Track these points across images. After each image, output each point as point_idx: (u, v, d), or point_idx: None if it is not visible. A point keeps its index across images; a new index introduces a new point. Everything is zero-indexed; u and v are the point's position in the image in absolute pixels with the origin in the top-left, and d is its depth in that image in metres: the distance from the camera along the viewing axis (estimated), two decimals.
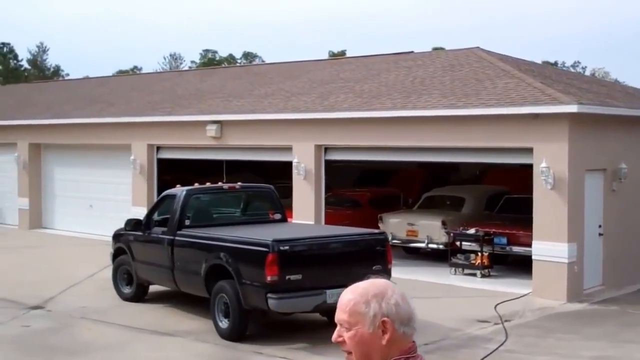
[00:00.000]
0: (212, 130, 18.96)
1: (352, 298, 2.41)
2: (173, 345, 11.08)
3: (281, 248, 10.32)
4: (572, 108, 13.60)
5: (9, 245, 21.48)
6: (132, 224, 13.36)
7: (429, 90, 16.70)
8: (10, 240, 22.47)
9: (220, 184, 13.76)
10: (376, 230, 12.96)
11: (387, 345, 2.36)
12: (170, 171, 21.78)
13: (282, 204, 13.58)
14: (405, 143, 16.12)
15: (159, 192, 21.01)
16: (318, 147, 17.50)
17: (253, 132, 18.46)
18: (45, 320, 12.58)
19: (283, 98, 19.14)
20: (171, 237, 12.31)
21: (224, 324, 11.07)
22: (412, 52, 22.21)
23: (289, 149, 17.85)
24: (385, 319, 2.35)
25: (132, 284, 13.76)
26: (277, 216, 13.33)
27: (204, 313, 12.22)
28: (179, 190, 12.79)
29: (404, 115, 15.78)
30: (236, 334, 10.89)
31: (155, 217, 13.25)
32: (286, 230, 12.16)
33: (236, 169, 22.29)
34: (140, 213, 20.60)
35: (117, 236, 14.33)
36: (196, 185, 13.38)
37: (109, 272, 16.67)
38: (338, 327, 2.45)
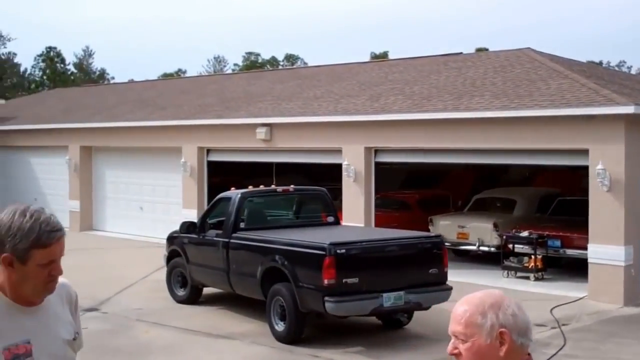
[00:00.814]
0: (261, 132, 19.07)
1: (467, 309, 2.40)
2: (229, 347, 11.16)
3: (338, 251, 10.33)
4: (629, 109, 13.40)
5: None
6: (187, 226, 13.49)
7: (480, 92, 16.58)
8: None
9: (273, 186, 13.80)
10: (432, 233, 12.92)
11: (505, 356, 2.35)
12: (218, 174, 21.94)
13: (334, 207, 13.59)
14: (457, 145, 16.03)
15: (209, 194, 21.22)
16: (368, 150, 17.49)
17: (303, 135, 18.53)
18: (102, 322, 12.74)
19: (332, 100, 19.17)
20: (226, 240, 12.40)
21: (279, 326, 11.12)
22: (461, 53, 22.09)
23: (338, 151, 17.86)
24: (502, 329, 2.35)
25: (186, 286, 13.88)
26: (330, 219, 13.35)
27: (258, 315, 12.31)
28: (234, 193, 12.88)
29: (456, 117, 15.69)
30: (292, 337, 10.93)
31: (210, 219, 13.34)
32: (341, 233, 12.17)
33: (285, 171, 22.36)
34: (191, 215, 20.86)
35: (171, 239, 14.48)
36: (250, 188, 13.46)
37: (161, 274, 16.89)
38: (453, 339, 2.44)
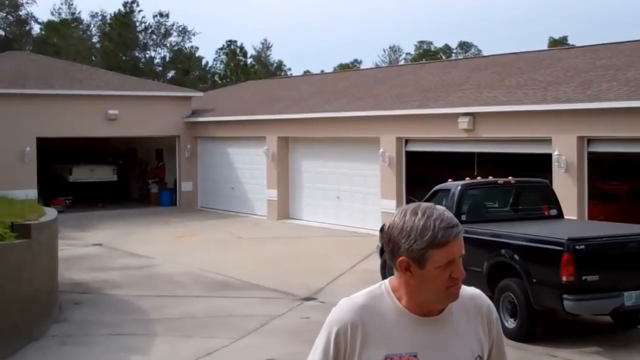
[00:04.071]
0: (464, 122, 18.73)
1: None
2: None
3: (577, 247, 9.90)
4: None
5: (263, 235, 22.50)
6: None
7: None
8: (263, 230, 23.53)
9: (490, 177, 13.45)
10: None
11: None
12: (413, 163, 21.74)
13: (558, 200, 13.05)
14: None
15: (407, 185, 21.16)
16: (580, 139, 16.73)
17: (507, 124, 18.02)
18: (322, 312, 12.88)
19: (539, 88, 18.50)
20: None
21: (509, 323, 10.80)
22: None
23: (546, 140, 17.22)
24: None
25: None
26: (553, 212, 12.85)
27: None
28: (453, 185, 12.67)
29: None
30: (525, 335, 10.59)
31: None
32: (572, 227, 11.71)
33: (482, 161, 21.85)
34: (389, 206, 20.90)
35: (384, 229, 14.47)
36: (467, 179, 13.20)
37: (368, 264, 17.03)
38: None
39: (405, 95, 22.28)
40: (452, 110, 19.22)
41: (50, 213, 12.00)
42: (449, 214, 2.68)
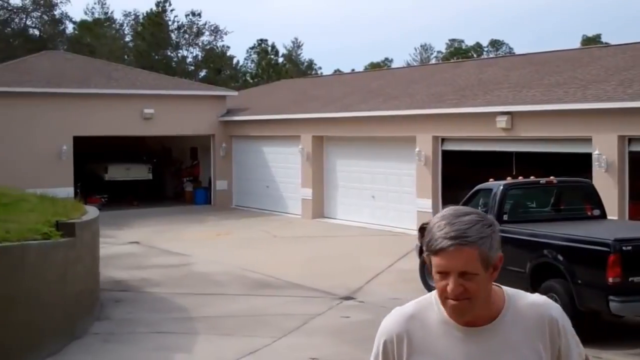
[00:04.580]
0: (502, 121, 18.56)
1: None
2: None
3: (623, 248, 9.76)
4: None
5: (299, 234, 22.51)
6: None
7: None
8: (297, 229, 23.53)
9: (532, 177, 13.31)
10: None
11: None
12: (448, 163, 21.56)
13: (601, 200, 12.87)
14: None
15: (444, 184, 21.02)
16: (621, 138, 16.50)
17: (547, 123, 17.82)
18: (362, 311, 12.87)
19: (579, 87, 18.28)
20: None
21: None
22: None
23: (586, 140, 17.00)
24: None
25: None
26: (596, 212, 12.67)
27: None
28: (495, 184, 12.55)
29: None
30: None
31: None
32: (618, 228, 11.55)
33: (520, 161, 21.62)
34: (425, 205, 20.80)
35: (423, 229, 14.38)
36: (508, 179, 13.07)
37: (405, 264, 16.96)
38: None
39: (441, 94, 22.14)
40: (490, 109, 19.05)
41: (92, 212, 12.09)
42: (458, 226, 2.52)
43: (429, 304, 2.71)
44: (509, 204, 12.38)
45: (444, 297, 2.56)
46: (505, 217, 12.13)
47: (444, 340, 2.64)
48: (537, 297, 2.77)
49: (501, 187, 12.29)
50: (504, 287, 2.75)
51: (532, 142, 18.54)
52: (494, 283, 2.68)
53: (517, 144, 19.06)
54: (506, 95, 19.69)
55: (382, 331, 2.78)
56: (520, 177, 13.34)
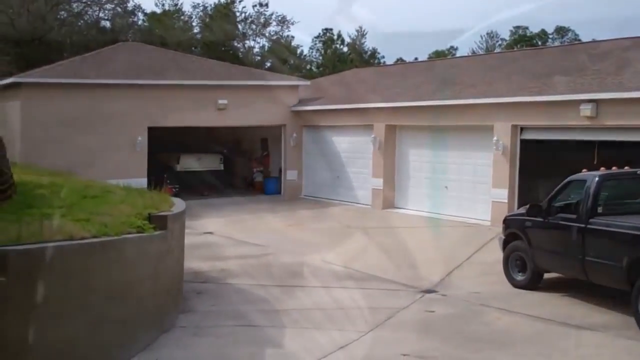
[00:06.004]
0: (586, 109, 17.98)
1: None
2: (595, 340, 10.48)
3: None
4: None
5: (371, 225, 22.25)
6: (533, 209, 12.89)
7: None
8: (370, 220, 23.26)
9: (627, 168, 12.79)
10: None
11: None
12: (526, 152, 20.96)
13: None
14: None
15: (521, 174, 20.49)
16: None
17: (635, 111, 17.17)
18: (446, 305, 12.57)
19: None
20: (582, 225, 11.65)
21: None
22: None
23: None
24: None
25: (525, 271, 13.34)
26: None
27: (612, 305, 11.65)
28: (590, 175, 12.09)
29: None
30: None
31: (556, 202, 12.63)
32: None
33: (604, 150, 20.93)
34: (500, 195, 20.32)
35: (508, 221, 14.02)
36: (602, 169, 12.58)
37: (484, 255, 16.59)
38: None
39: (520, 82, 21.57)
40: (573, 97, 18.47)
41: (179, 204, 12.04)
42: None
43: None
44: (604, 196, 11.90)
45: None
46: (599, 210, 11.69)
47: None
48: None
49: (597, 179, 11.82)
50: None
51: (618, 131, 17.90)
52: None
53: (602, 133, 18.42)
54: (590, 83, 19.05)
55: None
56: (614, 168, 12.83)
